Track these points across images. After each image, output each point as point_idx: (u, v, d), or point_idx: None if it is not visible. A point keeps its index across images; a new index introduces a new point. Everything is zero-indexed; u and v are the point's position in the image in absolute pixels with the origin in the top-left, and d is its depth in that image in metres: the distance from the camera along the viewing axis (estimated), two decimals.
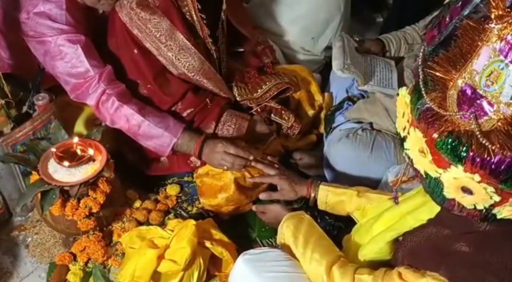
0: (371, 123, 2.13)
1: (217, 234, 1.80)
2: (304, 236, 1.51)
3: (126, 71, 1.94)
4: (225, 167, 1.90)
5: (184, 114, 1.99)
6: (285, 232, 1.56)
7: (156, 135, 1.88)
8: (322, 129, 2.34)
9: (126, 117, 1.85)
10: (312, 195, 1.76)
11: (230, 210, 2.01)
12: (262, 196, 1.89)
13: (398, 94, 1.08)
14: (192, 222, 1.74)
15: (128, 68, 1.94)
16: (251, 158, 1.88)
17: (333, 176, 2.09)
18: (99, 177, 1.81)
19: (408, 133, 1.02)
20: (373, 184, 1.94)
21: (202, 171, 2.03)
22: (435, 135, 0.96)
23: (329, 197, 1.72)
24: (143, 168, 2.13)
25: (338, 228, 1.96)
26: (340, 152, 2.06)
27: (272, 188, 1.94)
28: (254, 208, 1.91)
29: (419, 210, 1.31)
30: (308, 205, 1.83)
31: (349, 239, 1.57)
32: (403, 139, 1.06)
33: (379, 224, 1.44)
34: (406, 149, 1.05)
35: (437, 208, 1.23)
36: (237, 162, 1.88)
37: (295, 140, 2.27)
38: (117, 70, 1.88)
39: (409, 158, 1.06)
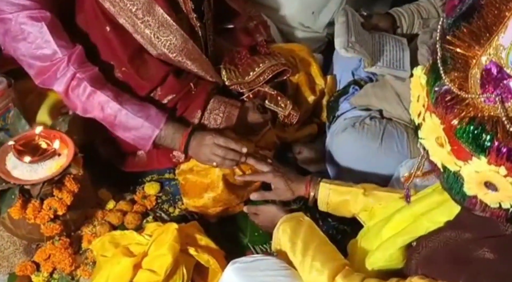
0: (380, 111, 2.13)
1: (203, 239, 1.80)
2: (303, 241, 1.51)
3: (97, 52, 1.90)
4: (215, 163, 1.88)
5: (165, 101, 1.97)
6: (281, 237, 1.57)
7: (135, 127, 1.86)
8: (324, 118, 2.33)
9: (101, 106, 1.84)
10: (312, 194, 1.76)
11: (218, 212, 2.01)
12: (254, 197, 1.90)
13: (411, 76, 1.07)
14: (173, 225, 1.74)
15: (100, 49, 1.92)
16: (245, 150, 1.86)
17: (336, 171, 2.09)
18: (65, 174, 1.79)
19: (424, 120, 1.01)
20: (383, 181, 1.94)
21: (186, 167, 2.01)
22: (455, 121, 0.95)
23: (331, 196, 1.72)
24: (117, 164, 2.10)
25: (342, 232, 1.97)
26: (344, 143, 2.06)
27: (266, 186, 1.94)
28: (245, 209, 1.91)
29: (435, 211, 1.32)
30: (308, 206, 1.83)
31: (355, 245, 1.58)
32: (417, 127, 1.05)
33: (390, 227, 1.44)
34: (420, 138, 1.04)
35: (457, 208, 1.23)
36: (229, 156, 1.86)
37: (293, 131, 2.26)
38: (87, 51, 1.86)
39: (424, 148, 1.05)
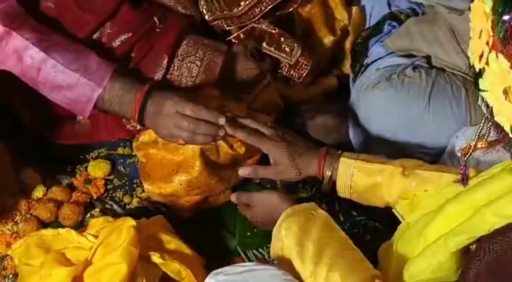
0: (428, 58, 2.14)
1: (172, 242, 1.81)
2: (316, 244, 1.51)
3: None
4: (180, 140, 1.85)
5: (116, 43, 1.96)
6: (285, 238, 1.57)
7: (67, 84, 1.84)
8: (347, 68, 2.35)
9: (17, 54, 1.82)
10: (328, 173, 1.75)
11: (194, 203, 2.03)
12: (244, 172, 1.88)
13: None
14: (130, 221, 1.74)
15: None
16: (222, 121, 1.82)
17: (364, 143, 2.11)
18: None
19: (487, 63, 1.01)
20: (430, 158, 1.94)
21: (147, 138, 2.01)
22: None
23: (355, 176, 1.72)
24: (48, 134, 2.11)
25: (373, 230, 1.99)
26: (376, 104, 2.07)
27: (264, 164, 1.93)
28: (234, 197, 1.90)
29: (504, 199, 1.31)
30: (323, 192, 1.84)
31: (389, 249, 1.60)
32: (478, 75, 1.04)
33: (439, 223, 1.44)
34: (482, 91, 1.03)
35: None
36: (201, 129, 1.82)
37: (302, 86, 2.27)
38: None
39: (487, 106, 1.04)
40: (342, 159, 1.74)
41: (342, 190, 1.76)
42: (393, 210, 1.70)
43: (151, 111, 1.84)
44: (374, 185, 1.70)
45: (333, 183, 1.77)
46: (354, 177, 1.72)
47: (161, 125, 1.85)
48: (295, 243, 1.53)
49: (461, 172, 1.26)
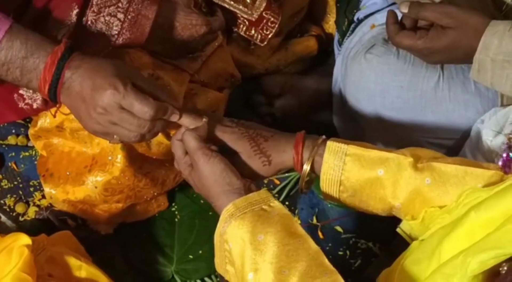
0: None
1: (83, 268, 1.83)
2: (274, 259, 1.49)
3: None
4: (116, 137, 1.82)
5: None
6: (235, 255, 1.55)
7: None
8: (330, 25, 2.37)
9: None
10: (305, 167, 1.72)
11: (114, 213, 2.05)
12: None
13: None
14: (23, 239, 1.74)
15: None
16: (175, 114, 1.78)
17: (352, 131, 2.13)
18: None
19: None
20: (445, 150, 1.97)
21: (49, 123, 2.04)
22: None
23: (348, 168, 1.67)
24: None
25: (364, 253, 2.01)
26: (370, 75, 2.07)
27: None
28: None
29: None
30: (295, 196, 1.89)
31: (390, 277, 1.61)
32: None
33: (459, 234, 1.43)
34: None
35: None
36: (156, 128, 1.80)
37: (268, 51, 2.30)
38: None
39: None
40: (329, 143, 1.69)
41: (328, 187, 1.69)
42: (398, 229, 1.65)
43: (75, 87, 1.80)
44: (374, 180, 1.65)
45: (313, 178, 1.73)
46: (346, 168, 1.67)
47: (92, 119, 1.80)
48: (249, 267, 1.51)
49: (502, 160, 1.25)
